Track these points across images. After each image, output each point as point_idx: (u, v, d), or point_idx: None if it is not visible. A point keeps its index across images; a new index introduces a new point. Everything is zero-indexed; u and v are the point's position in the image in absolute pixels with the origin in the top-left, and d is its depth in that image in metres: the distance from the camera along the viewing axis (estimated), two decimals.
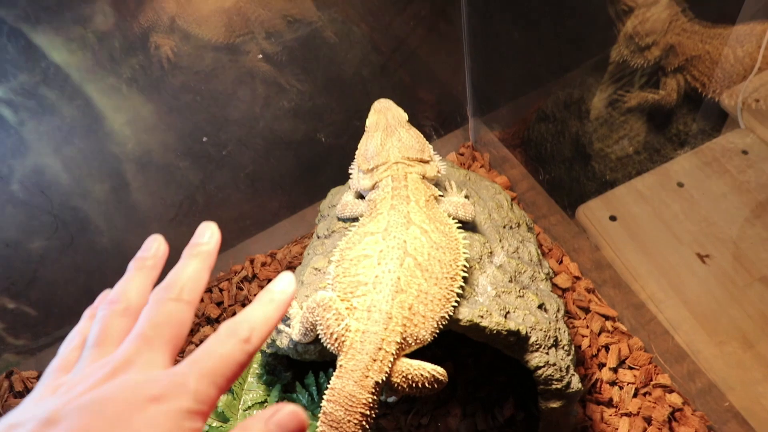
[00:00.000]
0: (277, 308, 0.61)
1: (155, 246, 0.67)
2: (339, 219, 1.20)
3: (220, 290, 1.55)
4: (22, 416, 0.49)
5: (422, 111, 1.66)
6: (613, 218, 1.56)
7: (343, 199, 1.19)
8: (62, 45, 1.14)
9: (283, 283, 0.63)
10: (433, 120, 1.68)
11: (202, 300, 1.55)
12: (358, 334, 0.94)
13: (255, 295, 1.53)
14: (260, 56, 1.38)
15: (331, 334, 0.95)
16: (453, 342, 1.30)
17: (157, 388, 0.50)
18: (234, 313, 1.50)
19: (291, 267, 1.55)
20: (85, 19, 1.15)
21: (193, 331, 1.50)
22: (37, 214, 1.31)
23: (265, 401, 1.21)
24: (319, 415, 0.95)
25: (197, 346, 1.47)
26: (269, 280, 1.55)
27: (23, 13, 1.06)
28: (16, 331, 1.51)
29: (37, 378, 1.49)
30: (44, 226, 1.37)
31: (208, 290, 1.56)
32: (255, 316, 0.59)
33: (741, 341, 1.36)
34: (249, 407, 1.21)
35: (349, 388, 0.93)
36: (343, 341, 0.95)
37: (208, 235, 0.65)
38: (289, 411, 0.55)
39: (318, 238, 1.24)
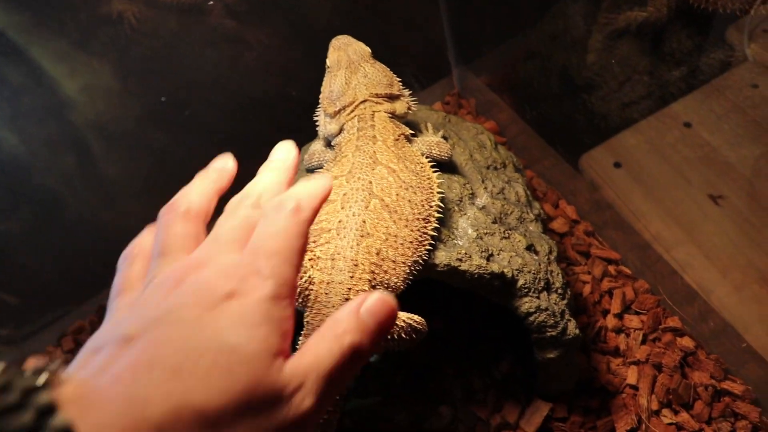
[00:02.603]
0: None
1: (222, 161, 0.64)
2: (307, 170, 1.12)
3: None
4: (101, 340, 0.46)
5: (402, 61, 1.56)
6: (618, 165, 1.47)
7: (310, 149, 1.11)
8: None
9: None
10: (415, 70, 1.58)
11: None
12: (322, 286, 0.87)
13: None
14: (211, 2, 1.30)
15: None
16: (442, 297, 1.22)
17: (229, 283, 0.47)
18: None
19: None
20: None
21: None
22: None
23: None
24: None
25: None
26: None
27: None
28: None
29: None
30: (10, 205, 1.30)
31: None
32: (298, 189, 0.55)
33: (758, 280, 1.26)
34: None
35: None
36: (307, 295, 0.87)
37: (284, 152, 0.63)
38: (378, 298, 0.52)
39: None
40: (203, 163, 1.60)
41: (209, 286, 0.47)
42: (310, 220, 0.54)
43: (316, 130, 1.09)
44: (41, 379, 0.40)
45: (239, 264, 0.49)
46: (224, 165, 0.63)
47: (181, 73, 1.36)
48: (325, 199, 0.57)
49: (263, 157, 1.48)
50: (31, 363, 0.41)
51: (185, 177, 1.58)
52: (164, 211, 0.57)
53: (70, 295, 1.50)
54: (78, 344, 1.43)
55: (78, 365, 0.44)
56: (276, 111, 1.45)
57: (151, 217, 1.56)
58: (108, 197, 1.42)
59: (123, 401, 0.41)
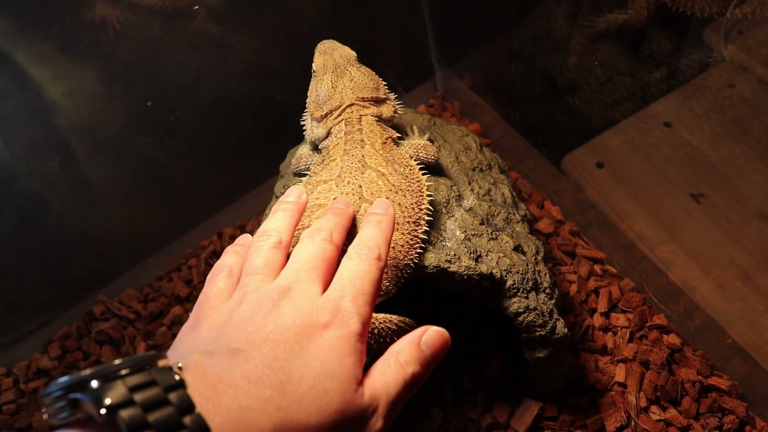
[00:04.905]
0: (389, 225, 0.69)
1: (297, 192, 0.76)
2: (295, 174, 1.12)
3: (189, 267, 1.47)
4: (209, 344, 0.53)
5: (386, 64, 1.57)
6: (600, 165, 1.49)
7: (297, 153, 1.11)
8: None
9: (382, 205, 0.71)
10: (399, 73, 1.59)
11: (170, 279, 1.47)
12: None
13: None
14: (196, 7, 1.30)
15: None
16: (432, 301, 1.22)
17: (324, 315, 0.55)
18: None
19: None
20: None
21: (162, 313, 1.42)
22: None
23: None
24: None
25: (168, 328, 1.39)
26: None
27: None
28: None
29: (6, 375, 1.41)
30: None
31: (177, 268, 1.48)
32: (374, 235, 0.66)
33: (740, 277, 1.28)
34: None
35: None
36: None
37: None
38: (435, 331, 0.61)
39: (276, 197, 1.15)
40: (189, 167, 1.60)
41: (308, 315, 0.55)
42: (385, 267, 0.64)
43: (303, 134, 1.09)
44: (177, 377, 0.47)
45: (330, 297, 0.57)
46: (299, 198, 0.75)
47: (165, 77, 1.36)
48: (390, 242, 0.68)
49: (249, 160, 1.49)
50: (163, 361, 0.48)
51: (171, 180, 1.58)
52: (257, 238, 0.67)
53: (55, 301, 1.49)
54: (65, 351, 1.41)
55: (194, 364, 0.50)
56: (261, 114, 1.46)
57: (137, 221, 1.54)
58: (93, 201, 1.42)
59: (240, 409, 0.48)
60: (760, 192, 1.39)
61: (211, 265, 1.46)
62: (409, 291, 0.94)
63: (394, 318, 0.89)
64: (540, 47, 1.42)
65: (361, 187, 0.91)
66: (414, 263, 0.91)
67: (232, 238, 1.49)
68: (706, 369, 1.15)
